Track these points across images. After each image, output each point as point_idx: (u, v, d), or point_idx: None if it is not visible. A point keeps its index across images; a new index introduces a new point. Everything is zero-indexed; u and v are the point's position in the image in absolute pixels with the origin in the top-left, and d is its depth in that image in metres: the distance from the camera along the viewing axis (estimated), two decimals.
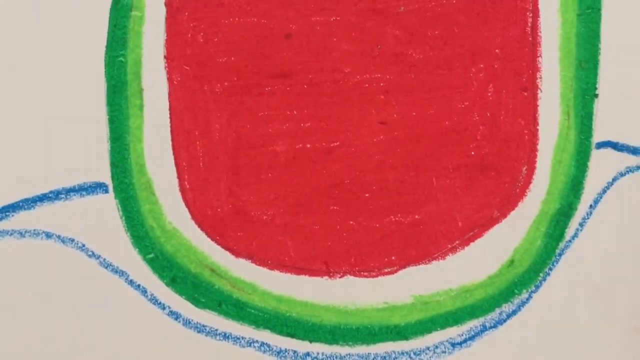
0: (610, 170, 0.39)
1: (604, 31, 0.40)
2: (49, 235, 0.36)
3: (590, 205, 0.38)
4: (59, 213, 0.37)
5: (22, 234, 0.36)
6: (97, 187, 0.37)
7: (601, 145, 0.39)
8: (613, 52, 0.40)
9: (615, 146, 0.39)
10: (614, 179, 0.38)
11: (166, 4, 0.40)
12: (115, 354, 0.36)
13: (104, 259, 0.36)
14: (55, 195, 0.37)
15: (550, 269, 0.37)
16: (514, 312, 0.37)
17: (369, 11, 0.40)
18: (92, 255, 0.36)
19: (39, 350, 0.36)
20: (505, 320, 0.36)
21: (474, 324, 0.36)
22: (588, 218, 0.38)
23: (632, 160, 0.39)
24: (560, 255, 0.37)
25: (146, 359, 0.36)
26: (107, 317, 0.36)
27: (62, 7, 0.39)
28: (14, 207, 0.37)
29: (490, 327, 0.36)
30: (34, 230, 0.36)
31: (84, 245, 0.36)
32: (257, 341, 0.36)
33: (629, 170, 0.39)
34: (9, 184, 0.37)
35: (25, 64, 0.38)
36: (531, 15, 0.40)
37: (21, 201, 0.37)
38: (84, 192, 0.37)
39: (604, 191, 0.38)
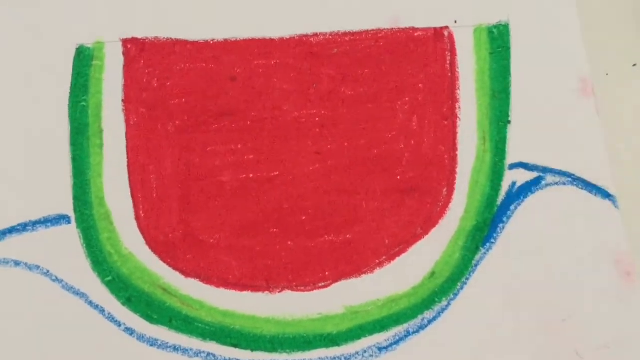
0: (522, 188, 0.41)
1: (514, 66, 0.43)
2: (17, 263, 0.38)
3: (503, 221, 0.40)
4: (26, 243, 0.38)
5: None
6: (60, 219, 0.39)
7: (514, 166, 0.41)
8: (522, 83, 0.43)
9: (526, 166, 0.41)
10: (525, 197, 0.41)
11: (124, 54, 0.42)
12: None
13: (66, 283, 0.38)
14: (23, 227, 0.39)
15: (467, 279, 0.39)
16: (435, 318, 0.38)
17: (305, 54, 0.43)
18: (56, 279, 0.38)
19: None
20: (426, 326, 0.38)
21: (398, 330, 0.38)
22: (501, 232, 0.40)
23: (541, 179, 0.41)
24: (476, 266, 0.39)
25: None
26: (69, 335, 0.37)
27: (32, 60, 0.42)
28: None
29: (414, 332, 0.38)
30: (4, 259, 0.38)
31: (48, 271, 0.38)
32: (204, 352, 0.37)
33: (538, 188, 0.41)
34: None
35: None
36: (449, 54, 0.43)
37: None
38: (49, 224, 0.39)
39: (515, 208, 0.40)
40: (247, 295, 0.38)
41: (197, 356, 0.37)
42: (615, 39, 0.46)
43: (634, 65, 0.45)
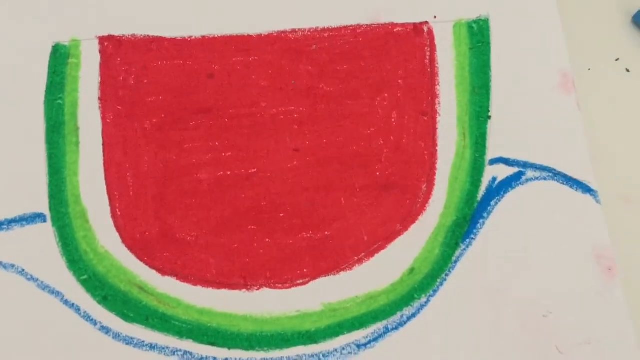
0: (502, 184, 0.41)
1: (494, 61, 0.43)
2: None
3: (483, 217, 0.40)
4: (1, 241, 0.38)
5: None
6: (36, 217, 0.39)
7: (494, 161, 0.41)
8: (503, 78, 0.43)
9: (507, 162, 0.41)
10: (505, 192, 0.40)
11: (100, 52, 0.42)
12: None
13: (42, 282, 0.37)
14: None
15: (447, 275, 0.38)
16: (414, 315, 0.37)
17: (284, 50, 0.43)
18: (31, 278, 0.37)
19: None
20: (405, 323, 0.37)
21: (377, 326, 0.37)
22: (481, 228, 0.39)
23: (522, 174, 0.41)
24: (455, 262, 0.39)
25: None
26: (44, 334, 0.37)
27: (7, 58, 0.42)
28: None
29: (392, 329, 0.37)
30: None
31: (23, 270, 0.37)
32: (180, 350, 0.37)
33: (519, 183, 0.41)
34: None
35: None
36: (429, 49, 0.43)
37: None
38: (24, 222, 0.38)
39: (496, 203, 0.40)
40: (225, 293, 0.38)
41: (174, 354, 0.37)
42: (598, 35, 0.46)
43: (617, 60, 0.45)
